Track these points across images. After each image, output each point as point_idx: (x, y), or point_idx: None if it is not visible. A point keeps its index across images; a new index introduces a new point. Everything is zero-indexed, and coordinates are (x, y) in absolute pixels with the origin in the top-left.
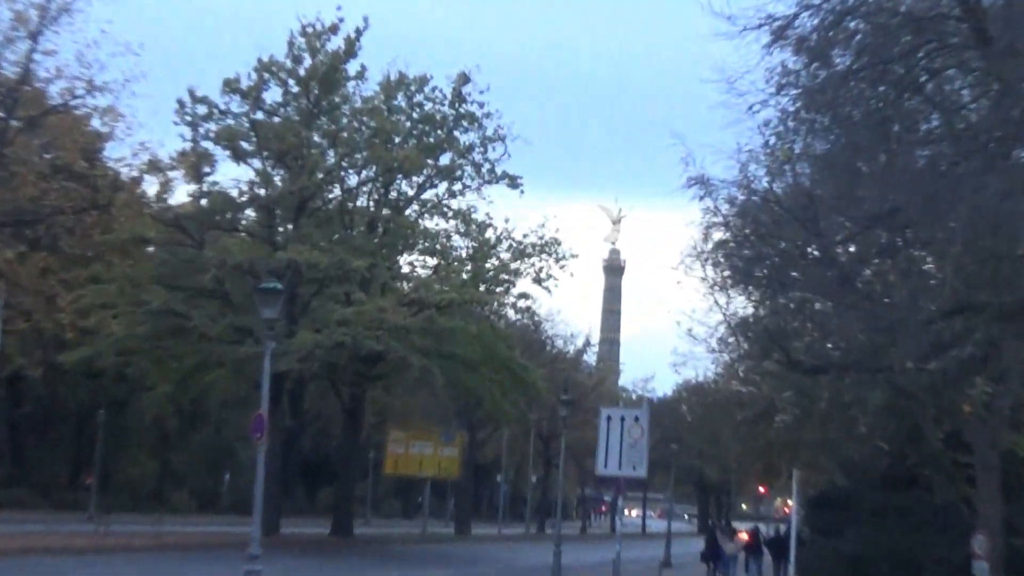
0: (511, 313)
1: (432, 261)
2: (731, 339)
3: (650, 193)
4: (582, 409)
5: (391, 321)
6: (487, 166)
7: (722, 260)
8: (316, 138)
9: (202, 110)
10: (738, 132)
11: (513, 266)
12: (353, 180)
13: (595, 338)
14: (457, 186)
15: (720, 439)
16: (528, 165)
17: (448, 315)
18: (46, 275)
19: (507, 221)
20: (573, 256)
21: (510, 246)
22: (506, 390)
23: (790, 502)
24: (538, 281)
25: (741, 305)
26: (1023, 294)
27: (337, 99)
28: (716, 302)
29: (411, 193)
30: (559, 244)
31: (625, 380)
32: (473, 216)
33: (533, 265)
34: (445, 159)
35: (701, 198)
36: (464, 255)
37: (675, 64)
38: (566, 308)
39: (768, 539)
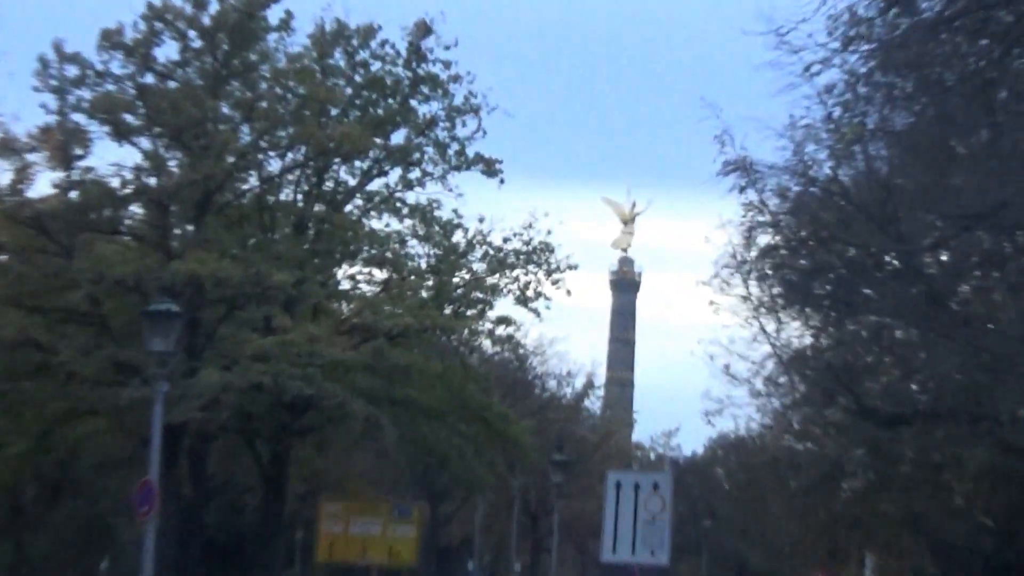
0: (487, 344)
1: (381, 274)
2: (783, 379)
3: (674, 183)
4: (583, 473)
5: (326, 355)
6: (455, 147)
7: (770, 273)
8: (225, 109)
9: (73, 72)
10: (791, 101)
11: (490, 281)
12: (275, 166)
13: (600, 377)
14: (414, 174)
15: (768, 513)
16: (510, 146)
17: (403, 347)
18: None
19: (482, 221)
20: (570, 267)
21: (486, 254)
22: (480, 448)
23: None
24: (523, 301)
25: (796, 333)
26: None
27: (254, 57)
28: (762, 329)
29: (352, 183)
30: (551, 251)
31: (641, 434)
32: (436, 214)
33: (517, 280)
34: (398, 137)
35: (742, 189)
36: (424, 266)
37: (707, 11)
38: (562, 337)
39: None
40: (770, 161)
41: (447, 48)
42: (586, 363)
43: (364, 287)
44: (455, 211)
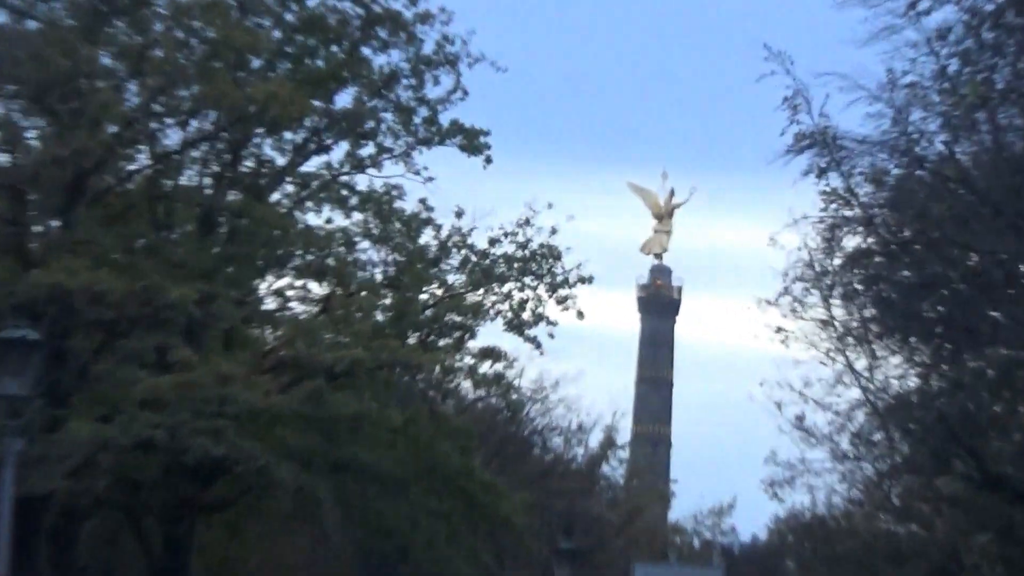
0: (468, 387)
1: (320, 289)
2: (878, 436)
3: (725, 164)
4: (600, 565)
5: (242, 400)
6: (423, 112)
7: (860, 288)
8: (106, 60)
9: None
10: (890, 52)
11: (472, 299)
12: (174, 138)
13: (625, 432)
14: (367, 149)
15: None
16: (502, 116)
17: (349, 390)
18: None
19: (460, 216)
20: (583, 280)
21: (466, 262)
22: (457, 530)
23: None
24: (518, 327)
25: (896, 372)
26: None
27: None
28: (849, 367)
29: (281, 162)
30: (556, 258)
31: (681, 511)
32: (397, 206)
33: (509, 297)
34: (345, 99)
35: (822, 172)
36: (380, 278)
37: None
38: (571, 377)
39: None
40: (860, 133)
41: None
42: (605, 413)
43: (296, 307)
44: (423, 202)
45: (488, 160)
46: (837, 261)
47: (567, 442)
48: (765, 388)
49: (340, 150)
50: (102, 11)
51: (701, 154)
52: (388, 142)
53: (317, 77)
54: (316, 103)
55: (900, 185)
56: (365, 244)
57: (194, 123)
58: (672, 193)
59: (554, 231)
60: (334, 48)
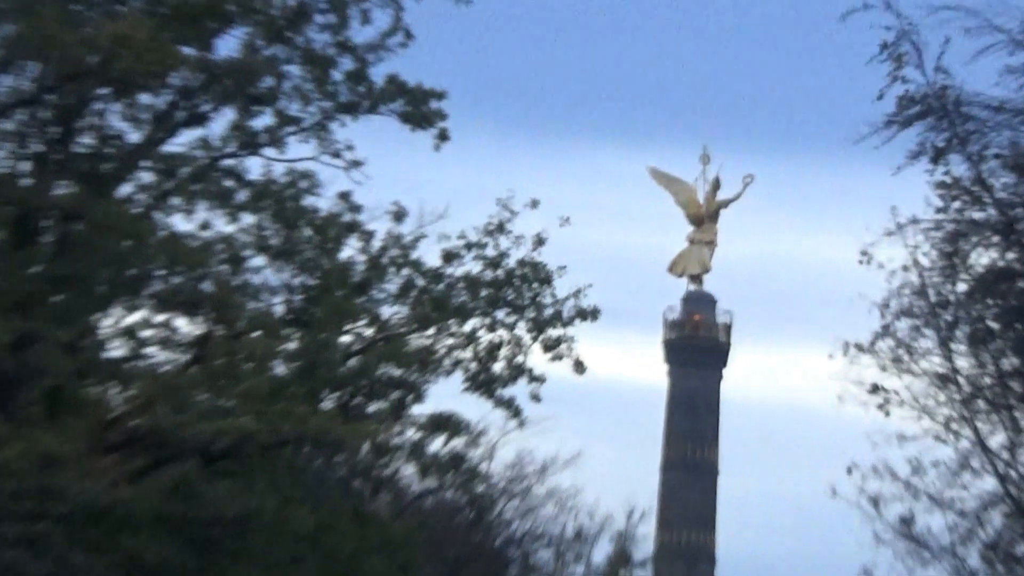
0: (410, 473)
1: (192, 327)
2: (1022, 547)
3: (794, 142)
4: None
5: (75, 494)
6: (347, 64)
7: (995, 328)
8: None
9: None
10: None
11: (417, 342)
12: None
13: (647, 542)
14: (263, 120)
15: None
16: (465, 73)
17: (235, 479)
18: None
19: (401, 219)
20: (584, 316)
21: (408, 286)
22: None
23: None
24: (486, 386)
25: None
26: None
27: None
28: (980, 443)
29: (136, 140)
30: (545, 281)
31: None
32: (306, 205)
33: (473, 341)
34: (230, 45)
35: (939, 155)
36: (282, 310)
37: None
38: (567, 459)
39: None
40: (995, 96)
41: None
42: (617, 513)
43: (156, 353)
44: (345, 198)
45: (443, 136)
46: (962, 287)
47: (560, 557)
48: (855, 476)
49: (223, 121)
50: None
51: (757, 128)
52: (294, 109)
53: (189, 13)
54: (187, 51)
55: None
56: (259, 260)
57: (6, 80)
58: (716, 185)
59: (541, 242)
60: None
